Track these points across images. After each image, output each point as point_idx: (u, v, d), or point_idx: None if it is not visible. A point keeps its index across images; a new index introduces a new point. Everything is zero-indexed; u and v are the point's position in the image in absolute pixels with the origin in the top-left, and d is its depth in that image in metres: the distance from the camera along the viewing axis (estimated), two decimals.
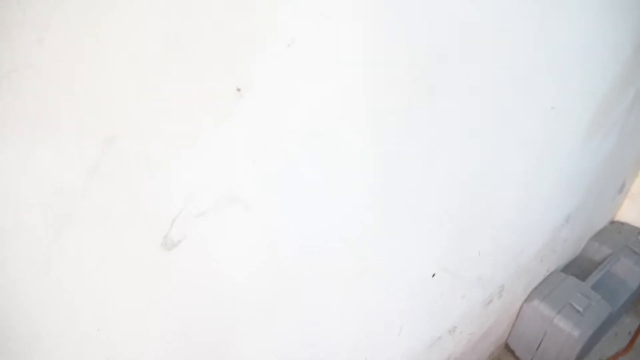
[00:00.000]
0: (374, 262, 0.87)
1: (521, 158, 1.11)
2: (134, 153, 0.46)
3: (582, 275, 1.85)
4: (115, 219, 0.49)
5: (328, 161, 0.66)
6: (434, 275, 1.08)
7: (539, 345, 1.76)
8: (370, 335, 1.02)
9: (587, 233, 1.96)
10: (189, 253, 0.58)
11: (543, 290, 1.75)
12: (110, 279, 0.53)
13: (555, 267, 1.85)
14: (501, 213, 1.19)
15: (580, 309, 1.67)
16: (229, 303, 0.68)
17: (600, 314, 1.69)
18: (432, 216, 0.96)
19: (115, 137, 0.44)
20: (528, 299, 1.74)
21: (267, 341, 0.77)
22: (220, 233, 0.60)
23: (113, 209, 0.49)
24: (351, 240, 0.79)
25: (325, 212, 0.71)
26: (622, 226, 2.07)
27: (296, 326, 0.81)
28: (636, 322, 2.09)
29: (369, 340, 1.03)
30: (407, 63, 0.66)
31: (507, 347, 1.93)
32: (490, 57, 0.80)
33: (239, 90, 0.52)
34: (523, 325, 1.80)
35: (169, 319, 0.61)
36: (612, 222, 2.10)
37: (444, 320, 1.28)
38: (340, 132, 0.65)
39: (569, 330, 1.64)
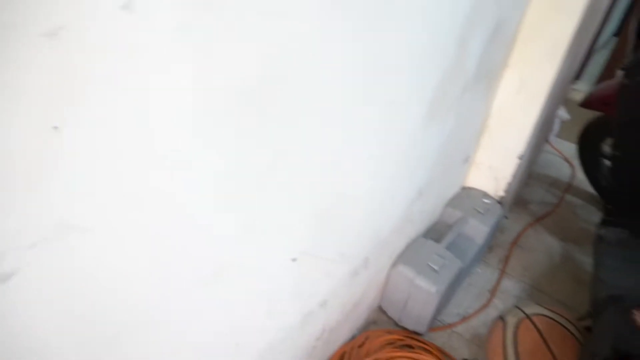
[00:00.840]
0: (230, 261, 0.94)
1: (367, 149, 1.24)
2: None
3: (439, 238, 2.10)
4: None
5: (169, 181, 0.71)
6: (294, 259, 1.18)
7: (405, 304, 1.99)
8: (239, 324, 1.10)
9: (441, 201, 2.22)
10: (27, 281, 0.60)
11: (406, 256, 1.96)
12: None
13: (416, 234, 2.08)
14: (355, 199, 1.32)
15: (437, 268, 1.91)
16: (86, 320, 0.71)
17: (452, 270, 1.94)
18: (288, 211, 1.05)
19: None
20: (393, 266, 1.95)
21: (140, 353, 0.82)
22: (61, 259, 0.63)
23: None
24: (204, 245, 0.85)
25: (173, 224, 0.76)
26: (470, 191, 2.37)
27: (163, 336, 0.87)
28: (485, 271, 2.44)
29: (238, 328, 1.11)
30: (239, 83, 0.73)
31: (380, 309, 2.14)
32: (322, 65, 0.89)
33: (56, 128, 0.55)
34: (391, 289, 2.01)
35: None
36: (463, 188, 2.39)
37: (312, 297, 1.41)
38: (175, 153, 0.70)
39: (427, 288, 1.87)
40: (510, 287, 2.38)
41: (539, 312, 1.81)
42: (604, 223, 2.16)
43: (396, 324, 2.11)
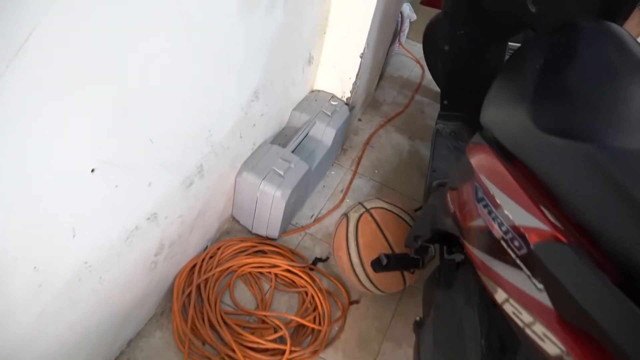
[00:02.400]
0: None
1: (158, 43, 1.11)
2: None
3: (286, 143, 2.08)
4: None
5: None
6: (93, 170, 1.06)
7: (255, 211, 1.98)
8: (39, 243, 0.98)
9: (288, 105, 2.17)
10: None
11: (251, 162, 1.92)
12: None
13: (263, 140, 2.03)
14: (161, 100, 1.20)
15: (282, 172, 1.90)
16: None
17: (299, 173, 1.95)
18: (68, 113, 0.91)
19: None
20: (239, 173, 1.90)
21: None
22: None
23: None
24: None
25: None
26: (318, 94, 2.34)
27: None
28: (339, 173, 2.51)
29: (37, 248, 1.00)
30: None
31: (233, 219, 2.12)
32: None
33: None
34: (240, 197, 1.98)
35: None
36: (312, 92, 2.36)
37: (134, 211, 1.31)
38: None
39: (273, 192, 1.87)
40: (362, 185, 2.49)
41: (377, 205, 1.90)
42: (440, 117, 2.30)
43: (250, 232, 2.11)
